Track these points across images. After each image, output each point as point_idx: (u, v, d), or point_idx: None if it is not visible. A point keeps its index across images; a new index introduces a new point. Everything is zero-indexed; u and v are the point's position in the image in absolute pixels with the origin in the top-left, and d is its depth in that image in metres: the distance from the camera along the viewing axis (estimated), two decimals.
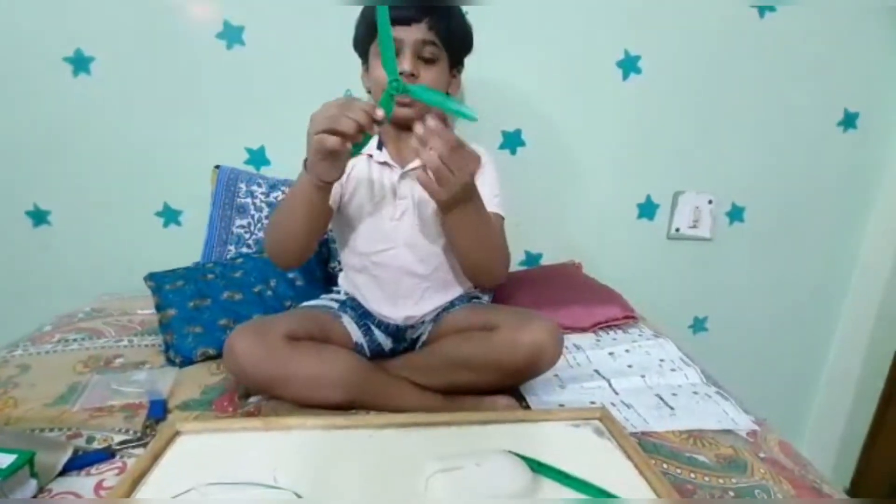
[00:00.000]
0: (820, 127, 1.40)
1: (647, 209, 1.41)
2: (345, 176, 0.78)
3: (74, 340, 0.92)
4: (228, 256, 1.12)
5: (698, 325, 1.53)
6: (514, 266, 1.33)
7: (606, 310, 1.09)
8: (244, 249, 1.13)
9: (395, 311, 0.87)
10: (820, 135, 1.40)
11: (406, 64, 0.76)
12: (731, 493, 0.61)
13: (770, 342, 1.57)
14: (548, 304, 1.06)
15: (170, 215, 1.26)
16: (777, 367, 1.60)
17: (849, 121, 1.39)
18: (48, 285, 1.25)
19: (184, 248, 1.20)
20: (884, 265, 1.48)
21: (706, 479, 0.64)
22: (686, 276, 1.47)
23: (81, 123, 1.17)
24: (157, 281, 0.95)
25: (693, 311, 1.52)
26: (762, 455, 0.70)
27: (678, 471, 0.65)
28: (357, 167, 0.84)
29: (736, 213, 1.44)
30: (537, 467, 0.55)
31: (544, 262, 1.42)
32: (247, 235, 1.14)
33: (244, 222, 1.14)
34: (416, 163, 0.82)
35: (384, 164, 0.84)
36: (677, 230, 1.41)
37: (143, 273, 1.00)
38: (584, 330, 1.06)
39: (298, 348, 0.71)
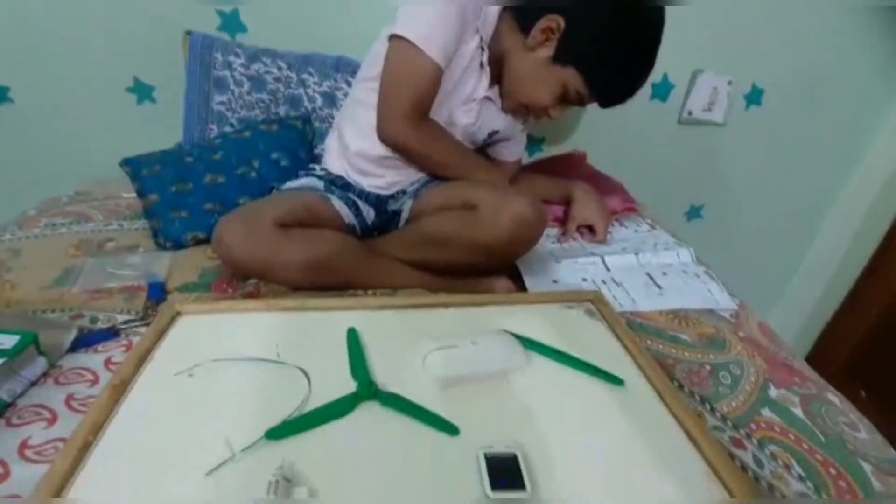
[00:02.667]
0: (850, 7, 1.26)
1: (662, 89, 1.32)
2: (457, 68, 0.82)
3: (62, 224, 0.90)
4: (211, 136, 1.05)
5: (693, 213, 1.54)
6: None
7: (606, 200, 1.07)
8: (227, 129, 1.06)
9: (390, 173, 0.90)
10: (849, 17, 1.27)
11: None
12: (708, 367, 0.66)
13: (760, 230, 1.59)
14: None
15: (142, 91, 1.16)
16: (760, 252, 1.64)
17: None
18: (25, 170, 1.19)
19: (162, 127, 1.13)
20: (888, 164, 1.45)
21: (686, 354, 0.68)
22: (691, 163, 1.44)
23: None
24: (133, 166, 0.90)
25: (691, 198, 1.52)
26: (741, 334, 0.74)
27: (660, 346, 0.69)
28: (469, 87, 0.86)
29: (754, 96, 1.36)
30: (530, 345, 0.58)
31: (546, 147, 1.37)
32: (228, 113, 1.07)
33: (224, 98, 1.06)
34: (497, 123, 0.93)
35: (489, 99, 0.89)
36: (690, 113, 1.34)
37: (124, 154, 0.95)
38: None
39: (289, 235, 0.70)
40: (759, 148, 1.44)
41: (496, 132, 0.95)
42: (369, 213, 0.91)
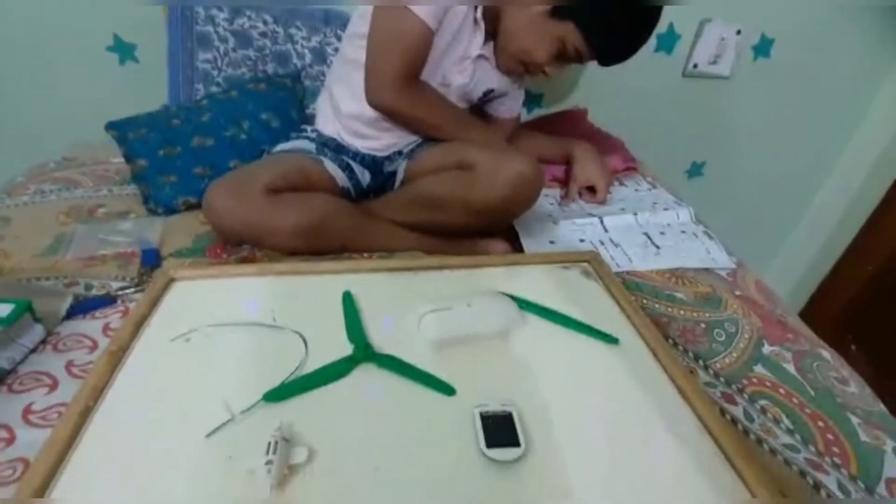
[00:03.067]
0: None
1: (667, 41, 1.26)
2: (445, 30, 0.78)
3: (51, 191, 0.88)
4: (198, 97, 1.02)
5: (695, 170, 1.51)
6: None
7: (607, 160, 1.05)
8: (213, 88, 1.02)
9: (386, 136, 0.87)
10: None
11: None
12: (703, 325, 0.66)
13: (761, 186, 1.57)
14: None
15: (124, 50, 1.11)
16: (761, 208, 1.63)
17: None
18: (9, 135, 1.16)
19: (147, 88, 1.09)
20: (893, 122, 1.41)
21: (681, 312, 0.68)
22: (694, 119, 1.40)
23: None
24: (119, 130, 0.87)
25: (693, 155, 1.49)
26: (738, 293, 0.74)
27: (656, 305, 0.69)
28: (462, 45, 0.82)
29: (763, 47, 1.31)
30: (525, 306, 0.58)
31: (546, 103, 1.33)
32: (214, 72, 1.03)
33: (209, 56, 1.01)
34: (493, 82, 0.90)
35: (483, 56, 0.85)
36: (695, 66, 1.29)
37: (110, 117, 0.92)
38: None
39: (281, 200, 0.68)
40: (764, 102, 1.40)
41: (491, 90, 0.92)
42: (364, 176, 0.89)
